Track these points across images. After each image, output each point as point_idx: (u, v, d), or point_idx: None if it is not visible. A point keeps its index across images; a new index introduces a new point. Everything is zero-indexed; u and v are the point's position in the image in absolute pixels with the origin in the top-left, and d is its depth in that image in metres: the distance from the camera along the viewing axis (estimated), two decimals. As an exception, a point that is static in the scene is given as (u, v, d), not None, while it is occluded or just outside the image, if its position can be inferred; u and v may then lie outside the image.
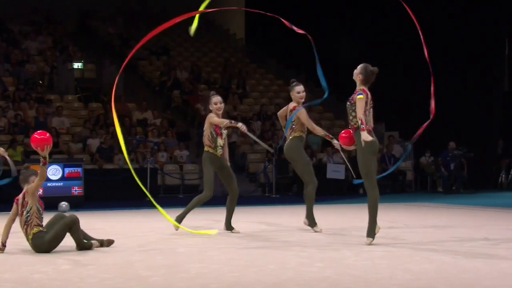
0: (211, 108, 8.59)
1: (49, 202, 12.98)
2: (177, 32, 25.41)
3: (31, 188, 6.80)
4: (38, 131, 7.03)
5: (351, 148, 7.54)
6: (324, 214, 11.91)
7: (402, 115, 20.33)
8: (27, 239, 6.82)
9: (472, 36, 19.30)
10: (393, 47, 20.59)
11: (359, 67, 7.45)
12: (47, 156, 6.77)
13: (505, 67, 20.69)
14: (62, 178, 13.51)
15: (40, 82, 19.68)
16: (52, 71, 20.09)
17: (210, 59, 24.06)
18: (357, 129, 7.21)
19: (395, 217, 11.05)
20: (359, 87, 7.38)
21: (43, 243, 6.73)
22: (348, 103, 7.33)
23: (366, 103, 7.21)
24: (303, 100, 8.59)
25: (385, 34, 20.73)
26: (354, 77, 7.45)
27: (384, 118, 20.82)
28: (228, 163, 8.70)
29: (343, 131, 7.67)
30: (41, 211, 6.86)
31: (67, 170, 13.52)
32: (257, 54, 24.41)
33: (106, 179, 15.08)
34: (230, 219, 8.57)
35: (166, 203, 13.60)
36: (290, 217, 10.99)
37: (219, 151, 8.52)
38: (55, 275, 5.54)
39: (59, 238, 6.84)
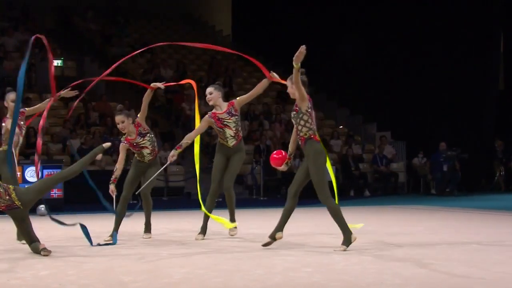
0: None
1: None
2: (160, 28, 25.44)
3: None
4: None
5: (283, 168, 7.52)
6: (312, 217, 11.96)
7: (393, 115, 20.44)
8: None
9: (467, 34, 19.43)
10: (386, 48, 20.69)
11: (289, 78, 7.44)
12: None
13: (500, 65, 20.84)
14: (41, 180, 13.46)
15: (18, 80, 19.59)
16: (31, 69, 20.01)
17: (195, 57, 24.09)
18: (307, 140, 7.17)
19: (386, 220, 11.11)
20: (304, 93, 7.34)
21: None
22: (294, 112, 7.26)
23: (310, 111, 7.20)
24: (210, 102, 8.41)
25: (379, 35, 20.83)
26: (290, 90, 7.39)
27: (376, 118, 20.95)
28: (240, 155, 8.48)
29: (274, 152, 7.66)
30: None
31: (46, 171, 13.49)
32: (244, 51, 24.38)
33: (87, 181, 15.01)
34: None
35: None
36: (277, 220, 11.00)
37: (230, 142, 8.34)
38: (34, 281, 5.54)
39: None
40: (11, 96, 8.43)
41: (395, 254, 6.91)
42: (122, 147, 8.47)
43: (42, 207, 12.43)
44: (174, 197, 16.84)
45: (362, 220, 11.20)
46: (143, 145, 8.51)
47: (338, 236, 8.58)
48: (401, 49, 20.52)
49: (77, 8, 24.29)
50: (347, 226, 7.21)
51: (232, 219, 8.54)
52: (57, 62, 20.86)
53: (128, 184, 8.59)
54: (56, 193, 13.56)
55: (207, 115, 8.35)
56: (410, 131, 19.92)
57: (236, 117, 8.32)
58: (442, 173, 18.41)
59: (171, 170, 17.22)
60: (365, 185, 18.57)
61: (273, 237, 7.37)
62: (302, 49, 6.86)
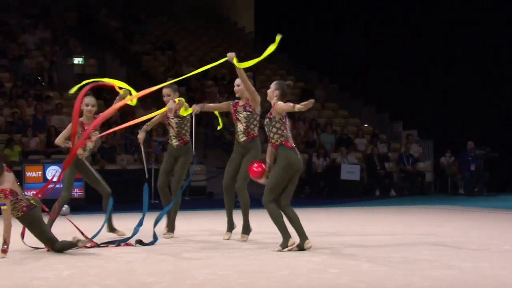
0: None
1: (48, 204, 13.08)
2: (182, 26, 25.49)
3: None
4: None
5: (263, 181, 7.44)
6: (339, 217, 11.92)
7: (420, 113, 20.32)
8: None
9: (495, 30, 19.27)
10: (412, 45, 20.59)
11: (273, 84, 7.45)
12: None
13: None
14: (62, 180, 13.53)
15: (39, 78, 19.73)
16: (52, 67, 20.15)
17: (217, 54, 24.05)
18: (279, 146, 7.22)
19: (413, 221, 11.04)
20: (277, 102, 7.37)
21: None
22: (267, 120, 7.32)
23: (285, 119, 7.28)
24: (237, 94, 8.45)
25: (405, 32, 20.75)
26: (269, 96, 7.40)
27: (402, 116, 20.83)
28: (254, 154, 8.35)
29: (255, 165, 7.53)
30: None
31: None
32: (267, 48, 24.40)
33: (108, 180, 15.09)
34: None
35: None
36: (301, 220, 10.97)
37: (241, 137, 8.27)
38: (56, 281, 5.58)
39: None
40: (86, 100, 8.46)
41: (423, 255, 6.86)
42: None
43: (64, 207, 12.49)
44: (196, 196, 16.86)
45: (389, 220, 11.16)
46: (169, 122, 8.64)
47: (363, 236, 8.55)
48: (428, 46, 20.41)
49: (98, 5, 24.43)
50: (287, 229, 7.25)
51: (245, 227, 8.39)
52: (78, 60, 21.00)
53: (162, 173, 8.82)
54: (77, 192, 13.63)
55: (231, 101, 8.44)
56: (437, 130, 19.78)
57: (249, 113, 8.22)
58: (471, 173, 18.25)
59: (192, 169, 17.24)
60: (391, 184, 18.47)
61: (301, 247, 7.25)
62: (310, 103, 6.93)
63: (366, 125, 21.14)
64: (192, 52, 23.65)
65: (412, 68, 20.62)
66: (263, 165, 7.49)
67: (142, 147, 8.77)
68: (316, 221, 11.15)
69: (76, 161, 8.44)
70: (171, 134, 8.74)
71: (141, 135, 8.74)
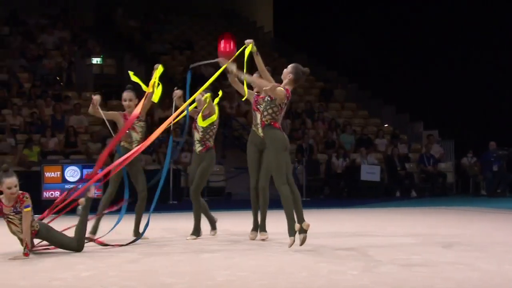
0: None
1: (67, 205, 13.15)
2: (201, 25, 25.53)
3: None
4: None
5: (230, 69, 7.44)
6: (358, 218, 11.88)
7: (441, 113, 20.23)
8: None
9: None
10: (433, 44, 20.50)
11: (290, 66, 7.62)
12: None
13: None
14: (81, 180, 13.61)
15: (57, 78, 19.86)
16: (70, 67, 20.27)
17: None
18: (267, 126, 7.39)
19: (435, 222, 10.98)
20: (285, 86, 7.51)
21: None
22: (268, 99, 7.45)
23: (283, 107, 7.45)
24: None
25: (426, 31, 20.68)
26: (283, 75, 7.58)
27: (423, 116, 20.74)
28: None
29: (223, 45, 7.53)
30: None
31: (86, 171, 13.61)
32: (286, 48, 24.42)
33: (127, 181, 15.14)
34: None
35: (190, 207, 13.67)
36: (321, 221, 10.99)
37: (260, 130, 8.03)
38: (75, 282, 5.60)
39: None
40: (124, 94, 8.65)
41: (445, 257, 6.82)
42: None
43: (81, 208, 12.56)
44: (214, 197, 16.89)
45: (410, 221, 11.11)
46: (196, 126, 8.63)
47: (383, 237, 8.52)
48: (449, 45, 20.30)
49: (116, 5, 24.54)
50: (293, 216, 7.34)
51: (262, 226, 8.42)
52: (96, 60, 21.11)
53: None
54: (96, 193, 13.67)
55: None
56: (458, 130, 19.67)
57: (268, 102, 7.94)
58: (493, 173, 18.12)
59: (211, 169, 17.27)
60: (412, 185, 18.39)
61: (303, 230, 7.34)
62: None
63: (386, 125, 21.07)
64: (210, 51, 23.66)
65: (433, 67, 20.53)
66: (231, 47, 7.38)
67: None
68: (336, 222, 11.13)
69: (125, 153, 8.49)
70: (195, 139, 8.68)
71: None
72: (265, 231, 8.44)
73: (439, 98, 20.14)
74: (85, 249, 7.44)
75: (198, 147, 8.59)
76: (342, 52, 22.47)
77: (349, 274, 5.83)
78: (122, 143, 8.69)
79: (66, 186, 13.50)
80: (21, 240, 6.93)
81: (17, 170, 15.07)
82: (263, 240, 8.31)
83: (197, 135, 8.55)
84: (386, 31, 21.67)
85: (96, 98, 8.42)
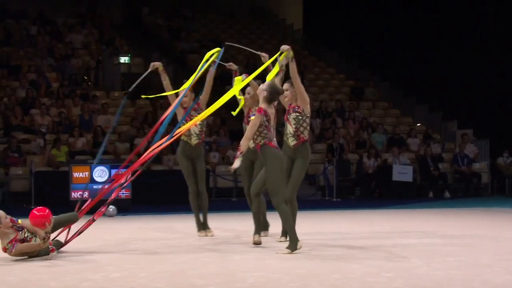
0: None
1: (95, 205, 13.25)
2: (229, 23, 25.58)
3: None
4: (38, 208, 6.98)
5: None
6: (391, 219, 11.81)
7: (476, 111, 20.03)
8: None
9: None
10: (467, 41, 20.33)
11: (266, 83, 7.61)
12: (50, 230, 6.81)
13: None
14: (109, 180, 13.68)
15: (85, 77, 20.02)
16: (98, 66, 20.43)
17: (265, 52, 24.13)
18: (262, 147, 7.43)
19: (469, 223, 10.88)
20: (260, 104, 7.48)
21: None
22: (297, 114, 7.80)
23: (268, 123, 7.46)
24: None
25: (459, 29, 20.51)
26: (258, 91, 7.60)
27: (457, 115, 20.55)
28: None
29: (37, 209, 7.12)
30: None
31: (113, 171, 13.67)
32: (316, 46, 24.37)
33: (154, 181, 15.26)
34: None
35: (218, 207, 13.74)
36: (352, 223, 10.95)
37: (291, 141, 8.05)
38: (105, 283, 5.64)
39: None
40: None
41: (482, 259, 6.75)
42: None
43: (110, 208, 12.64)
44: (243, 197, 16.89)
45: (444, 223, 11.02)
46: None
47: (417, 238, 8.45)
48: (484, 43, 20.11)
49: (144, 3, 24.67)
50: (295, 232, 7.38)
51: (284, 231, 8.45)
52: (124, 59, 21.21)
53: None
54: (124, 193, 13.76)
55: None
56: (493, 129, 19.46)
57: (298, 114, 7.96)
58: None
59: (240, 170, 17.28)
60: (445, 186, 18.24)
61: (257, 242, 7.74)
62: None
63: (418, 124, 20.91)
64: (239, 50, 23.67)
65: (467, 65, 20.34)
66: (46, 210, 7.07)
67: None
68: (368, 223, 11.07)
69: (192, 150, 8.67)
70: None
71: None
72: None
73: (473, 96, 19.95)
74: (114, 250, 7.50)
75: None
76: (374, 50, 22.35)
77: (383, 276, 5.80)
78: (182, 136, 8.81)
79: (94, 187, 13.61)
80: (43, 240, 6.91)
81: (45, 170, 15.33)
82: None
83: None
84: (419, 28, 21.52)
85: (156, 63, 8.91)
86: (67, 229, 7.45)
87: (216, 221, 10.51)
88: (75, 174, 13.59)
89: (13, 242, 6.67)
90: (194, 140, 8.84)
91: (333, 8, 24.10)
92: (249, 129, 7.40)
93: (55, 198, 13.51)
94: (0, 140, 16.17)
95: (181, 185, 15.26)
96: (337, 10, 23.95)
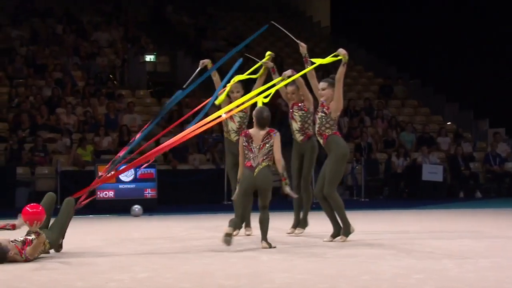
0: None
1: (121, 205, 13.36)
2: (256, 20, 25.57)
3: (31, 256, 6.79)
4: (31, 204, 6.98)
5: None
6: (421, 219, 11.74)
7: (508, 109, 19.85)
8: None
9: None
10: (497, 37, 20.15)
11: (255, 110, 8.05)
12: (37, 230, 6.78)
13: None
14: (135, 180, 13.80)
15: (111, 76, 20.15)
16: (123, 64, 20.54)
17: (292, 50, 24.09)
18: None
19: (502, 224, 10.78)
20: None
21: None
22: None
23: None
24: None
25: (490, 25, 20.33)
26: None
27: (488, 113, 20.38)
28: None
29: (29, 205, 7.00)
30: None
31: (139, 171, 13.75)
32: (343, 43, 24.24)
33: (180, 180, 15.33)
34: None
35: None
36: (381, 223, 10.90)
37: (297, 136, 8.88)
38: (132, 284, 5.68)
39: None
40: (232, 87, 8.86)
41: (515, 261, 6.69)
42: None
43: (136, 208, 12.73)
44: (275, 197, 16.89)
45: (475, 223, 10.93)
46: (293, 116, 8.90)
47: (448, 239, 8.39)
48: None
49: (168, 1, 24.74)
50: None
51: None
52: (149, 58, 21.30)
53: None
54: (150, 193, 13.86)
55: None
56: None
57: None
58: None
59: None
60: (476, 186, 18.08)
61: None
62: None
63: (449, 123, 20.77)
64: (266, 47, 23.60)
65: (499, 62, 20.16)
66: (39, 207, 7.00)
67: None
68: (397, 223, 11.02)
69: (234, 146, 8.77)
70: (294, 129, 8.85)
71: None
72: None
73: (505, 94, 19.75)
74: (140, 250, 7.54)
75: (298, 137, 8.81)
76: (403, 47, 22.22)
77: (413, 278, 5.77)
78: (224, 132, 9.04)
79: (120, 186, 13.71)
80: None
81: (71, 169, 15.46)
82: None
83: (295, 125, 8.79)
84: (449, 24, 21.35)
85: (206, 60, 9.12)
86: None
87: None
88: (101, 174, 13.66)
89: (22, 252, 6.73)
90: (233, 137, 8.90)
91: (361, 4, 24.00)
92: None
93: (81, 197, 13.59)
94: (26, 140, 16.32)
95: (207, 184, 15.43)
96: (365, 6, 23.85)
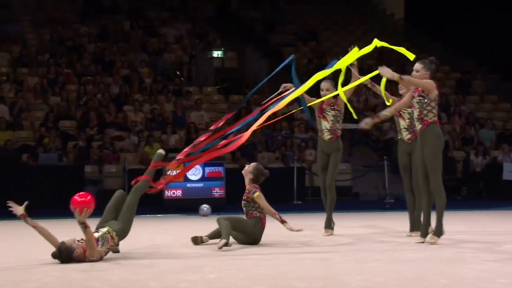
0: None
1: (189, 204, 13.52)
2: (326, 14, 25.49)
3: (92, 257, 6.87)
4: (80, 193, 7.04)
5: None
6: (501, 221, 11.53)
7: None
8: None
9: None
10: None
11: (251, 165, 8.27)
12: (85, 221, 6.82)
13: None
14: (203, 179, 13.93)
15: (178, 73, 20.35)
16: (191, 61, 20.72)
17: (364, 44, 23.82)
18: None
19: None
20: (249, 184, 8.19)
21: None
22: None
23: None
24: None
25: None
26: (243, 173, 8.30)
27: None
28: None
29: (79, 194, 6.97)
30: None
31: (208, 169, 13.89)
32: (418, 36, 23.98)
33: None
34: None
35: (314, 207, 13.72)
36: (460, 224, 10.74)
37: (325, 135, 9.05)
38: (204, 285, 5.74)
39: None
40: (321, 84, 9.08)
41: None
42: None
43: (205, 207, 12.86)
44: (341, 197, 16.84)
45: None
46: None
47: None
48: None
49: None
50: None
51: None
52: (217, 53, 21.42)
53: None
54: (218, 192, 13.97)
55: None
56: None
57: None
58: None
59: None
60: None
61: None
62: None
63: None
64: (337, 42, 23.60)
65: None
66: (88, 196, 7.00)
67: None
68: (475, 225, 10.85)
69: (325, 145, 9.02)
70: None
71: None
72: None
73: None
74: (210, 250, 7.60)
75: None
76: (481, 39, 21.81)
77: (497, 283, 5.67)
78: (318, 132, 9.23)
79: (188, 185, 13.86)
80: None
81: (138, 168, 15.71)
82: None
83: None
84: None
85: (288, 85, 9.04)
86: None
87: (313, 221, 10.55)
88: (168, 172, 13.86)
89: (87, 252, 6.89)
90: (326, 136, 9.09)
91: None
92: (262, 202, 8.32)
93: (149, 197, 13.79)
94: (94, 137, 16.65)
95: (275, 183, 15.46)
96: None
